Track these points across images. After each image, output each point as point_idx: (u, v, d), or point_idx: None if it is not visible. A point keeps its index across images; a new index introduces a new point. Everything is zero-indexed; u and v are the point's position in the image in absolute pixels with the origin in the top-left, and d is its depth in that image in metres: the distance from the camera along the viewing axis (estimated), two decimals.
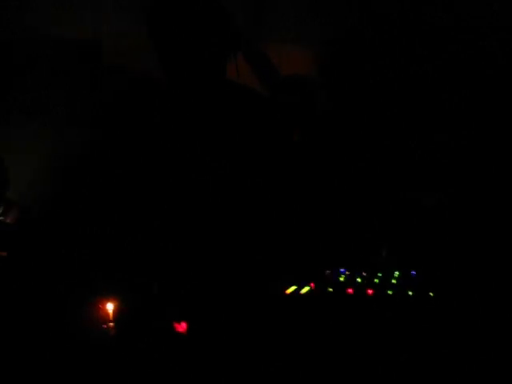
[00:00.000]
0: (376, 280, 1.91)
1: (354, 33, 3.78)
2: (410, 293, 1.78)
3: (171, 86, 1.91)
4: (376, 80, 3.70)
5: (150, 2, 1.84)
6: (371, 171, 3.30)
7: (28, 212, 3.21)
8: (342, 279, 1.93)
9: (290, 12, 3.87)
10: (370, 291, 1.81)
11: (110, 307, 2.01)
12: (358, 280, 1.92)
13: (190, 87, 1.88)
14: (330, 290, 1.81)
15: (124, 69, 3.61)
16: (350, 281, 1.92)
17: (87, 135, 3.33)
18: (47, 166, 3.49)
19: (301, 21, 3.88)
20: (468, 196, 2.91)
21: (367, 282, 1.89)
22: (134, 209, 2.02)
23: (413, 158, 3.48)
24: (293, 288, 1.81)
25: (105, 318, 2.01)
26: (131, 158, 1.98)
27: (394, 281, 1.91)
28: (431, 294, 1.77)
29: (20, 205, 3.27)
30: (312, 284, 1.85)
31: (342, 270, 2.01)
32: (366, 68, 3.74)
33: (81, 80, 3.61)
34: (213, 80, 1.86)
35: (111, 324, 2.00)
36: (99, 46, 3.65)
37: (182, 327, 1.90)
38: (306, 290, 1.81)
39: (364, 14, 3.77)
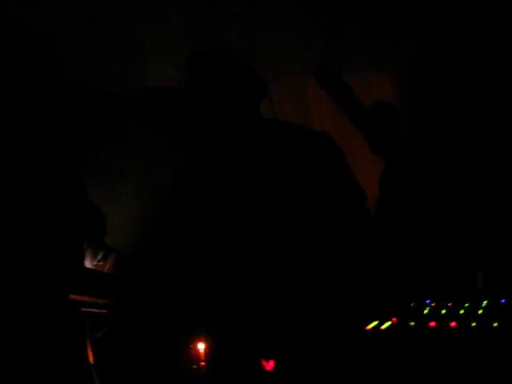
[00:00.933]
0: (461, 311, 1.86)
1: (433, 60, 3.74)
2: (495, 324, 1.72)
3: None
4: (455, 106, 3.64)
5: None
6: (456, 197, 3.23)
7: (126, 258, 3.33)
8: (426, 312, 1.90)
9: (370, 40, 3.88)
10: (452, 324, 1.77)
11: (201, 347, 2.09)
12: (443, 312, 1.88)
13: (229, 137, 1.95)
14: (412, 324, 1.78)
15: None
16: (434, 313, 1.88)
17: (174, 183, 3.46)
18: (145, 213, 3.63)
19: (381, 48, 3.89)
20: None
21: (452, 314, 1.85)
22: (216, 253, 2.08)
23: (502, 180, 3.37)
24: (374, 323, 1.81)
25: (196, 357, 2.08)
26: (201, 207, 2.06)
27: (480, 311, 1.85)
28: None
29: (119, 251, 3.39)
30: (394, 318, 1.83)
31: (427, 301, 1.97)
32: (446, 95, 3.69)
33: (169, 130, 3.77)
34: (249, 126, 1.93)
35: (202, 363, 2.07)
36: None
37: (269, 365, 1.93)
38: (387, 325, 1.80)
39: (441, 43, 3.73)
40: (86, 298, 2.06)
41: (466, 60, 3.60)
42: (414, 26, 3.70)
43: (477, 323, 1.76)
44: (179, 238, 2.10)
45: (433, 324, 1.78)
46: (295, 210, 1.91)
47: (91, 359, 1.96)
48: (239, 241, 1.99)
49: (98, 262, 3.29)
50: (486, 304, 1.90)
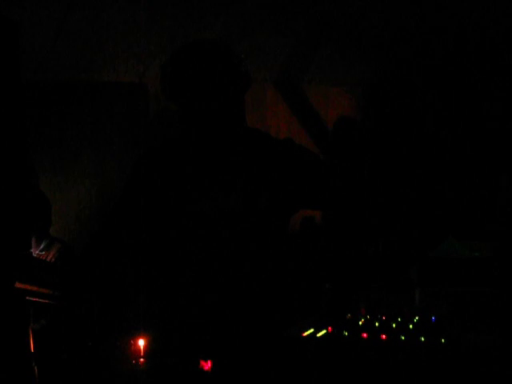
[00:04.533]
0: (394, 325, 1.96)
1: (395, 75, 3.86)
2: (423, 339, 1.82)
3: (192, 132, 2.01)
4: (417, 123, 3.76)
5: (164, 64, 1.97)
6: (401, 211, 3.34)
7: (69, 249, 3.31)
8: (360, 323, 1.98)
9: (334, 55, 3.97)
10: (383, 336, 1.86)
11: (141, 343, 2.12)
12: (376, 324, 1.97)
13: (212, 133, 1.97)
14: (346, 333, 1.87)
15: (169, 113, 3.75)
16: (368, 325, 1.97)
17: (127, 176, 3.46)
18: (90, 204, 3.62)
19: (344, 64, 3.98)
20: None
21: (384, 327, 1.94)
22: (163, 248, 2.11)
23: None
24: (310, 331, 1.88)
25: (136, 353, 2.11)
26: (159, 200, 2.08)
27: (411, 326, 1.95)
28: (443, 340, 1.81)
29: (62, 241, 3.37)
30: (329, 328, 1.91)
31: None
32: (406, 110, 3.80)
33: (127, 125, 3.76)
34: (233, 122, 1.95)
35: (142, 360, 2.10)
36: (145, 91, 3.81)
37: (207, 365, 1.98)
38: (322, 333, 1.88)
39: (403, 58, 3.85)
40: (30, 287, 2.05)
41: (420, 79, 3.73)
42: (373, 43, 3.80)
43: (405, 337, 1.85)
44: (131, 231, 2.11)
45: (365, 335, 1.87)
46: (248, 211, 1.96)
47: (32, 349, 1.96)
48: (188, 239, 2.02)
49: (41, 251, 3.26)
50: (417, 320, 2.00)
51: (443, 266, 2.75)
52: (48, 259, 3.27)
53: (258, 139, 2.03)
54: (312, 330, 1.88)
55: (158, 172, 2.03)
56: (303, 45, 3.97)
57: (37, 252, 3.33)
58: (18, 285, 1.93)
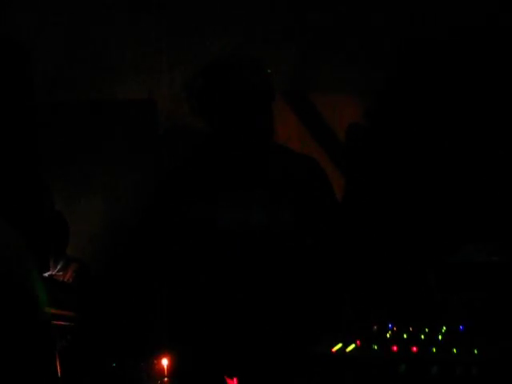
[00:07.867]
0: (422, 336, 1.93)
1: (404, 82, 3.85)
2: (455, 350, 1.79)
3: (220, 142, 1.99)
4: (425, 130, 3.74)
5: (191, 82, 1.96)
6: (423, 221, 3.31)
7: (87, 268, 3.30)
8: (388, 335, 1.95)
9: (339, 62, 3.96)
10: (414, 349, 1.83)
11: (164, 363, 2.10)
12: (405, 336, 1.94)
13: (246, 149, 1.96)
14: (375, 347, 1.84)
15: (179, 130, 3.76)
16: (396, 337, 1.94)
17: (145, 194, 3.46)
18: (102, 222, 3.62)
19: (353, 71, 3.97)
20: None
21: (413, 339, 1.92)
22: (189, 265, 2.10)
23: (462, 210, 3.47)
24: (339, 345, 1.86)
25: (160, 373, 2.09)
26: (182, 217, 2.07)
27: (440, 337, 1.92)
28: (475, 351, 1.77)
29: (79, 261, 3.36)
30: (358, 341, 1.88)
31: (389, 325, 2.03)
32: (414, 118, 3.79)
33: (137, 143, 3.77)
34: (267, 137, 1.94)
35: (166, 379, 2.08)
36: (154, 108, 3.81)
37: (233, 382, 1.96)
38: (351, 347, 1.85)
39: (413, 63, 3.84)
40: (52, 310, 2.04)
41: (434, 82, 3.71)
42: (382, 50, 3.79)
43: (437, 348, 1.82)
44: (156, 250, 2.10)
45: (395, 348, 1.84)
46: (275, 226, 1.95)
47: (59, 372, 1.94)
48: (212, 254, 2.01)
49: (58, 272, 3.25)
50: (445, 330, 1.97)
51: (462, 271, 2.72)
52: (65, 279, 3.26)
53: (281, 154, 2.03)
54: (341, 345, 1.85)
55: (182, 191, 2.03)
56: (311, 53, 3.97)
57: (54, 272, 3.33)
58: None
